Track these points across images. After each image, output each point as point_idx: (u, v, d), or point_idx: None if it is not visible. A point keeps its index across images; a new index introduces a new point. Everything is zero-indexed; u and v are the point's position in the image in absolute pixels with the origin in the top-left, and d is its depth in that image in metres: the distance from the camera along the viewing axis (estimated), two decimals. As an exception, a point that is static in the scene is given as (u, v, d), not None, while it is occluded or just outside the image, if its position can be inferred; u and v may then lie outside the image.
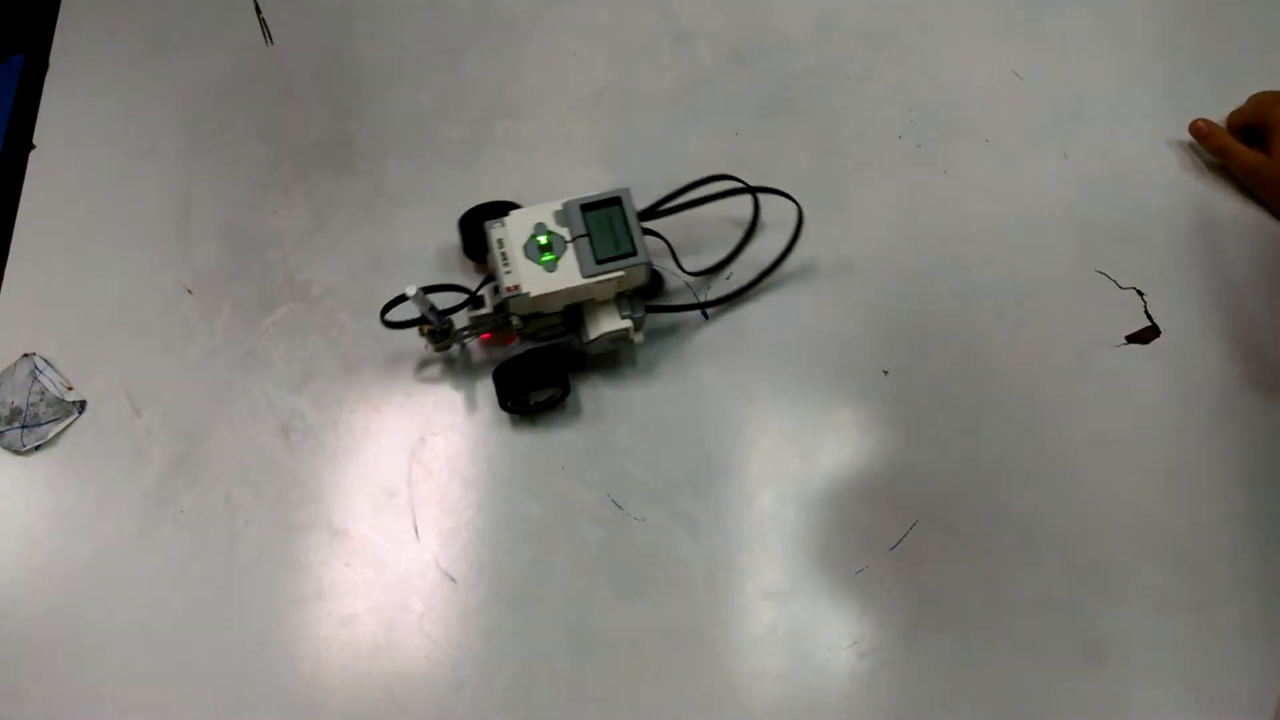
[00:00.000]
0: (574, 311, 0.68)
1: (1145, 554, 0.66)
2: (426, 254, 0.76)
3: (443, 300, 0.67)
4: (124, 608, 0.67)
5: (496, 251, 0.65)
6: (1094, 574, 0.66)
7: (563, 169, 0.79)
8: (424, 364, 0.74)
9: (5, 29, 0.87)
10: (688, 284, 0.75)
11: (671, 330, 0.74)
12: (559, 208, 0.66)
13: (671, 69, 0.83)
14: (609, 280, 0.65)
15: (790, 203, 0.73)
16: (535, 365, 0.68)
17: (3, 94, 0.84)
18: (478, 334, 0.71)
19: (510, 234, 0.66)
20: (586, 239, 0.65)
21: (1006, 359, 0.72)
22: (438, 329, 0.67)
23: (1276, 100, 0.74)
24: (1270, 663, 0.63)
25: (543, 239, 0.65)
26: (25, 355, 0.75)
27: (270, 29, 0.86)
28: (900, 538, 0.68)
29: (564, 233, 0.66)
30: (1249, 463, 0.68)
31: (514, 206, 0.71)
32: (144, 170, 0.81)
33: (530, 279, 0.64)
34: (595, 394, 0.72)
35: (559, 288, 0.64)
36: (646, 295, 0.70)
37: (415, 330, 0.69)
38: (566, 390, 0.70)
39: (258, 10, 0.85)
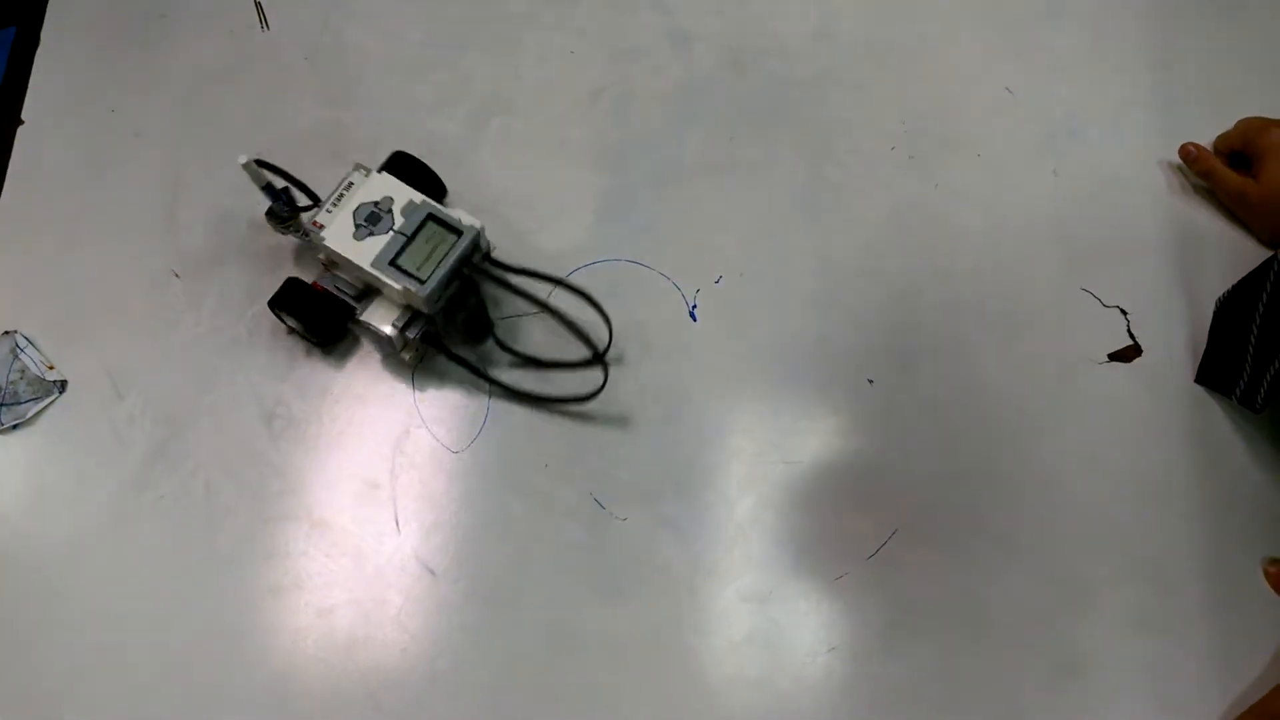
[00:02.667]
0: (370, 290, 0.69)
1: (1122, 570, 0.67)
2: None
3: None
4: (99, 592, 0.67)
5: (339, 189, 0.67)
6: (1071, 588, 0.67)
7: (556, 168, 0.79)
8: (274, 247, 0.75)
9: (-3, 2, 0.86)
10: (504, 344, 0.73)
11: (664, 335, 0.73)
12: (418, 201, 0.67)
13: (669, 71, 0.83)
14: (390, 284, 0.65)
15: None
16: (316, 304, 0.68)
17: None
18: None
19: (363, 187, 0.67)
20: (404, 239, 0.66)
21: (991, 373, 0.72)
22: (277, 211, 0.68)
23: (1265, 126, 0.75)
24: (1240, 682, 0.64)
25: (377, 211, 0.66)
26: (6, 332, 0.74)
27: (267, 14, 0.85)
28: (880, 546, 0.68)
29: (398, 222, 0.66)
30: (1225, 483, 0.69)
31: (432, 174, 0.73)
32: (133, 151, 0.80)
33: (337, 230, 0.66)
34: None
35: (346, 255, 0.65)
36: (469, 332, 0.71)
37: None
38: (326, 342, 0.72)
39: (255, -5, 0.85)
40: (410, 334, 0.68)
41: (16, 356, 0.73)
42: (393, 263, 0.65)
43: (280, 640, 0.66)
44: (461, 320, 0.69)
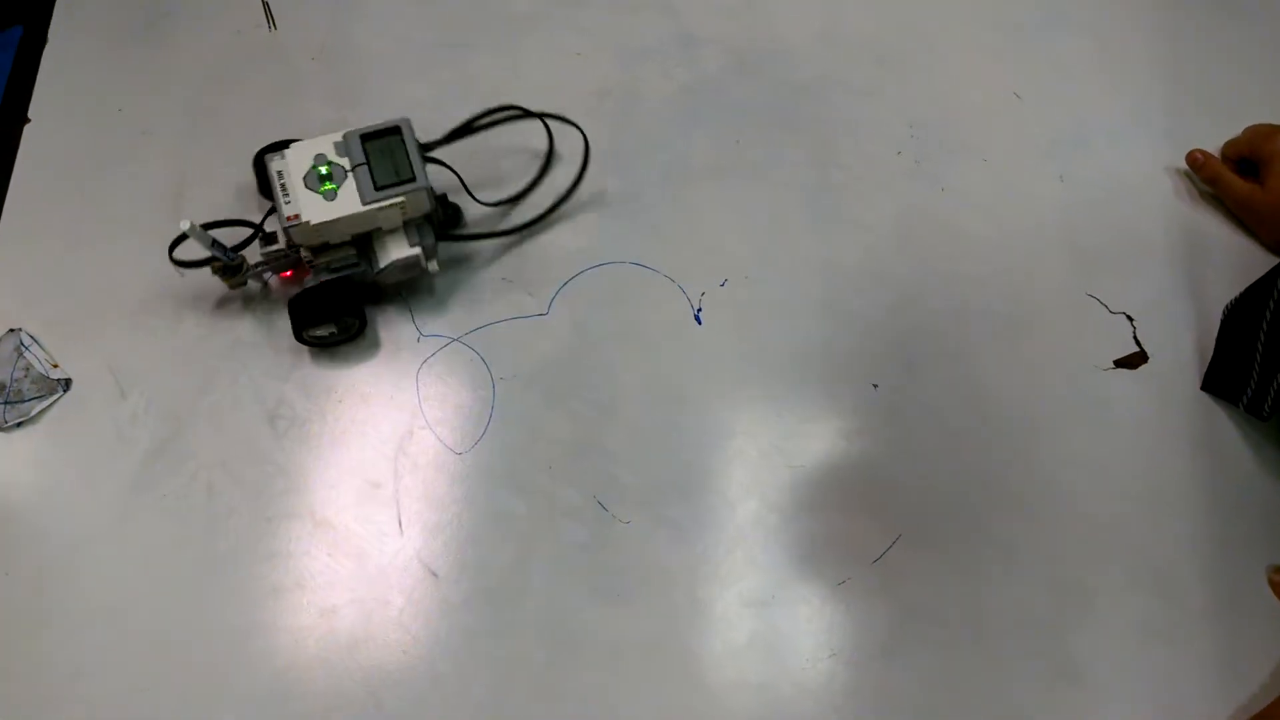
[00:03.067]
0: (364, 241, 0.69)
1: (1125, 577, 0.67)
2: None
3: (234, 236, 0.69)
4: (101, 591, 0.67)
5: (276, 183, 0.66)
6: (1073, 594, 0.66)
7: (561, 169, 0.79)
8: (224, 301, 0.75)
9: (4, 1, 0.86)
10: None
11: (669, 337, 0.73)
12: (339, 139, 0.67)
13: (676, 74, 0.83)
14: (391, 206, 0.66)
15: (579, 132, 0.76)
16: (328, 297, 0.69)
17: (-1, 66, 0.83)
18: (276, 269, 0.71)
19: (290, 165, 0.66)
20: (365, 167, 0.66)
21: (995, 378, 0.72)
22: (228, 264, 0.68)
23: (1271, 132, 0.75)
24: (1241, 690, 0.64)
25: (323, 169, 0.66)
26: (11, 330, 0.74)
27: (274, 14, 0.85)
28: (883, 551, 0.68)
29: (344, 163, 0.67)
30: (1230, 491, 0.69)
31: None
32: (140, 150, 0.80)
33: (310, 208, 0.65)
34: (582, 395, 0.72)
35: (339, 215, 0.65)
36: (447, 226, 0.73)
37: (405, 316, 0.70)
38: (363, 323, 0.72)
39: (262, -6, 0.85)
40: (427, 239, 0.70)
41: (21, 354, 0.73)
42: (378, 187, 0.66)
43: (282, 639, 0.65)
44: (441, 205, 0.72)
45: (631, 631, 0.65)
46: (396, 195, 0.66)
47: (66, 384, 0.72)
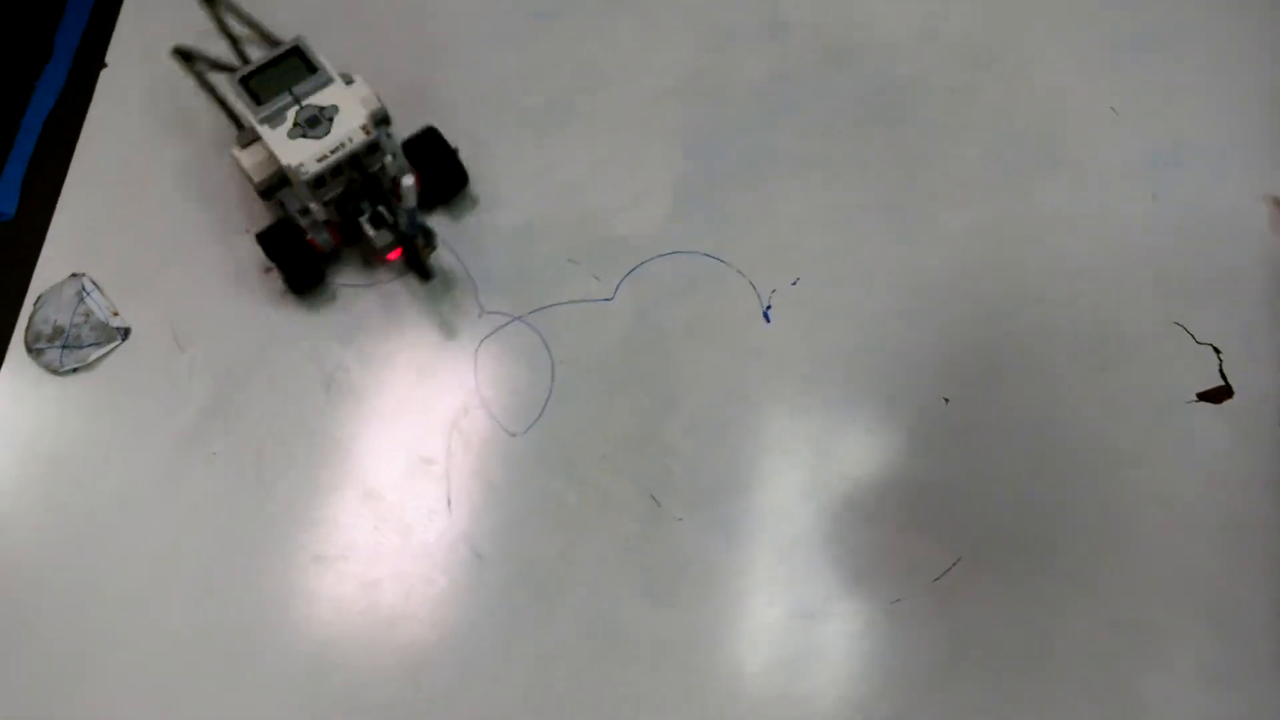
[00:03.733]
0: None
1: (1193, 618, 0.64)
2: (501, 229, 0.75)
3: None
4: (145, 544, 0.66)
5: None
6: (1139, 632, 0.64)
7: (641, 150, 0.77)
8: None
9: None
10: None
11: (736, 334, 0.71)
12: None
13: (765, 60, 0.80)
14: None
15: None
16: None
17: (80, 4, 0.82)
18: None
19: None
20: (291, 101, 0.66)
21: (1073, 401, 0.69)
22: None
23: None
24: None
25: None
26: (74, 275, 0.74)
27: (356, -28, 0.84)
28: (943, 572, 0.66)
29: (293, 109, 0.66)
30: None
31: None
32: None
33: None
34: (642, 385, 0.70)
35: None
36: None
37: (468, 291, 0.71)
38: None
39: None
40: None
41: (82, 300, 0.72)
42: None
43: (322, 609, 0.65)
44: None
45: (675, 632, 0.64)
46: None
47: (125, 333, 0.72)
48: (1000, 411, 0.69)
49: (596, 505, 0.67)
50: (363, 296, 0.73)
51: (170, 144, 0.78)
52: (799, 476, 0.68)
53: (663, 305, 0.72)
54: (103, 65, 0.81)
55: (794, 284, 0.73)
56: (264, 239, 0.69)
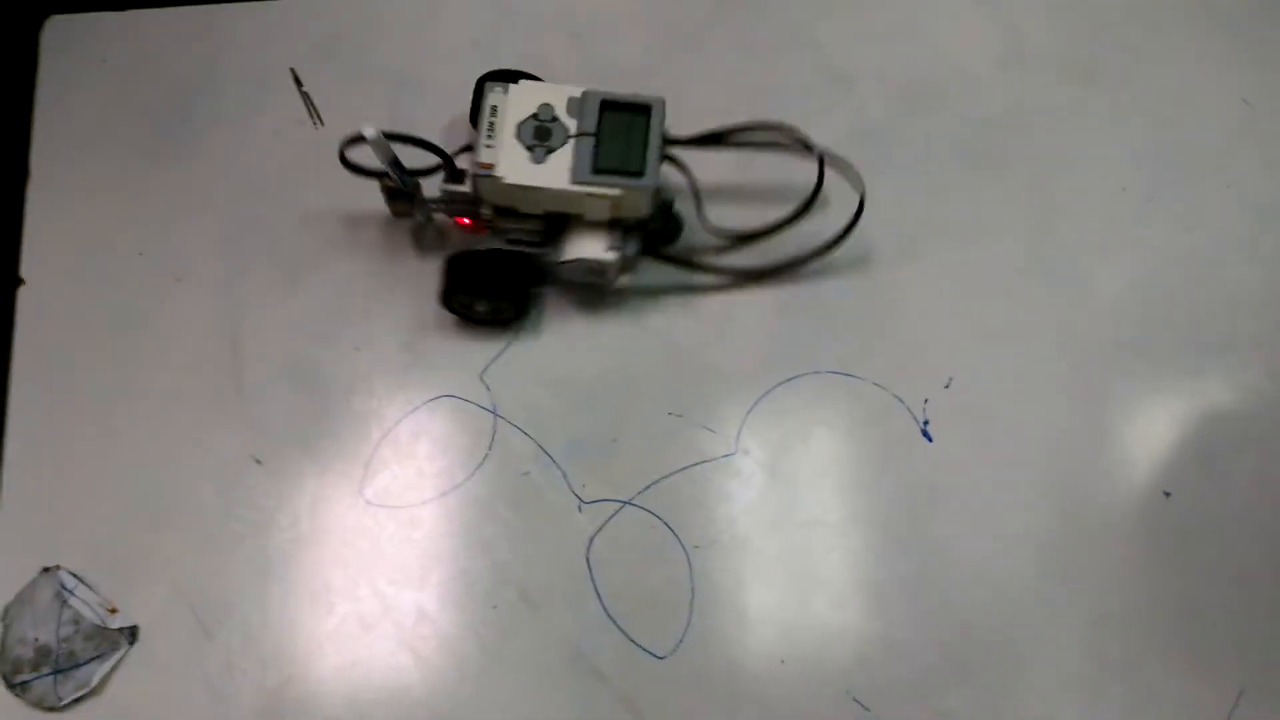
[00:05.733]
0: (558, 223, 0.57)
1: None
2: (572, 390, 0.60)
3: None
4: None
5: (486, 119, 0.54)
6: None
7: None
8: (387, 224, 0.62)
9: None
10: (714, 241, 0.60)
11: (896, 463, 0.58)
12: (577, 94, 0.55)
13: (833, 118, 0.66)
14: (601, 196, 0.53)
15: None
16: (494, 267, 0.57)
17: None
18: (451, 212, 0.58)
19: (509, 105, 0.54)
20: (592, 139, 0.54)
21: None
22: (399, 187, 0.56)
23: None
24: None
25: (543, 124, 0.54)
26: (45, 570, 0.56)
27: (318, 108, 0.67)
28: (1227, 714, 0.53)
29: (570, 125, 0.54)
30: None
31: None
32: (174, 301, 0.62)
33: (510, 163, 0.53)
34: (800, 555, 0.56)
35: (540, 184, 0.53)
36: (660, 239, 0.60)
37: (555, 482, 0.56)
38: (521, 310, 0.60)
39: (299, 84, 0.67)
40: (630, 248, 0.57)
41: (65, 602, 0.55)
42: (596, 169, 0.53)
43: None
44: (662, 214, 0.59)
45: None
46: (614, 186, 0.53)
47: (132, 633, 0.55)
48: (1235, 496, 0.58)
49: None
50: (428, 511, 0.57)
51: (130, 366, 0.61)
52: (1022, 627, 0.55)
53: (795, 445, 0.58)
54: (19, 282, 0.63)
55: (946, 387, 0.60)
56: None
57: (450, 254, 0.58)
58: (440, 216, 0.60)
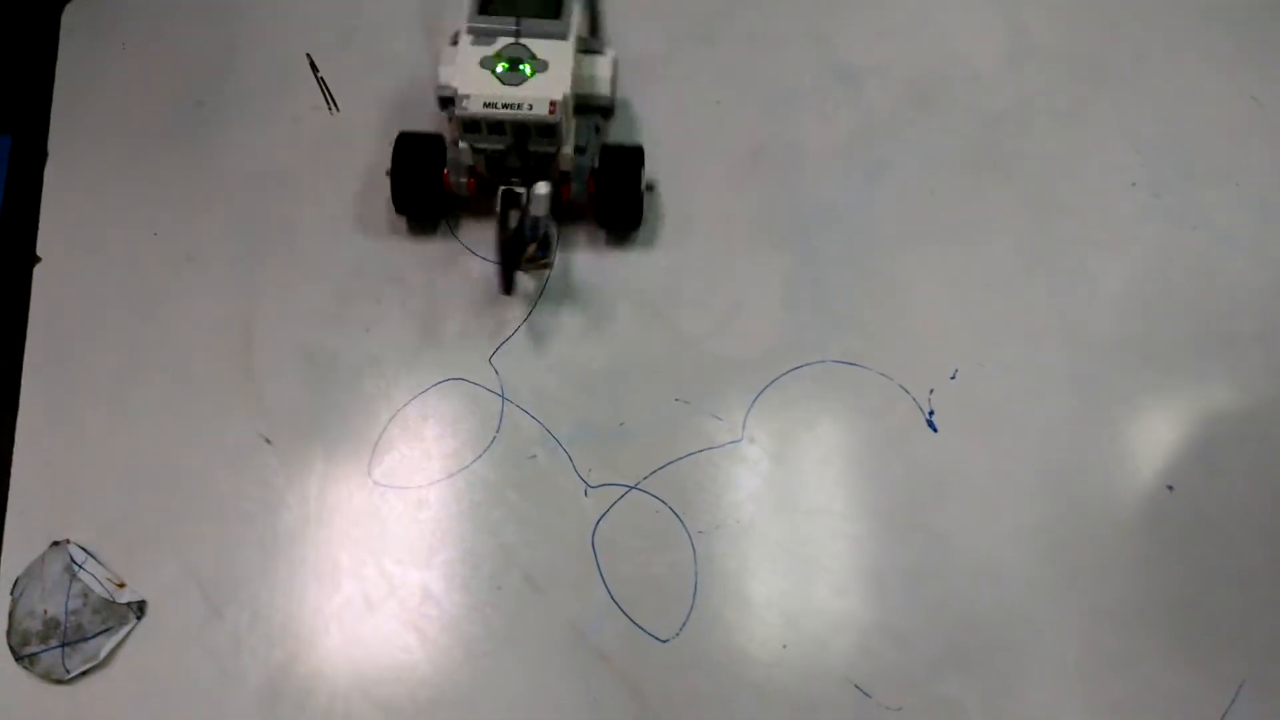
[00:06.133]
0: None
1: None
2: (582, 376, 0.60)
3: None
4: None
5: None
6: None
7: (722, 251, 0.64)
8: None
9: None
10: None
11: (900, 456, 0.58)
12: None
13: (841, 116, 0.67)
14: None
15: None
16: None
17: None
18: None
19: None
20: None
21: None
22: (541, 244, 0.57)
23: None
24: None
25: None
26: (55, 544, 0.57)
27: (334, 94, 0.68)
28: (1226, 707, 0.53)
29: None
30: None
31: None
32: (187, 283, 0.63)
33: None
34: (806, 542, 0.56)
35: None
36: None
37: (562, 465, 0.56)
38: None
39: (315, 71, 0.67)
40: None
41: (75, 576, 0.55)
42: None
43: None
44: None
45: None
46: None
47: (139, 608, 0.55)
48: (1236, 490, 0.58)
49: (787, 711, 0.53)
50: (435, 491, 0.57)
51: (142, 346, 0.62)
52: (1021, 622, 0.55)
53: (801, 433, 0.59)
54: (35, 260, 0.64)
55: (952, 378, 0.60)
56: (402, 142, 0.60)
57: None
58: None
